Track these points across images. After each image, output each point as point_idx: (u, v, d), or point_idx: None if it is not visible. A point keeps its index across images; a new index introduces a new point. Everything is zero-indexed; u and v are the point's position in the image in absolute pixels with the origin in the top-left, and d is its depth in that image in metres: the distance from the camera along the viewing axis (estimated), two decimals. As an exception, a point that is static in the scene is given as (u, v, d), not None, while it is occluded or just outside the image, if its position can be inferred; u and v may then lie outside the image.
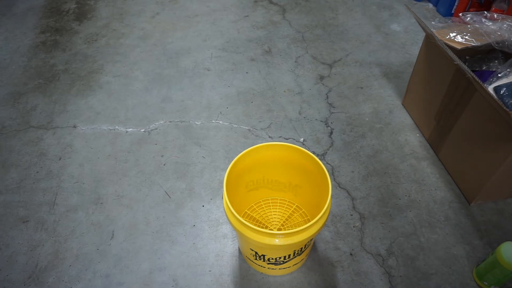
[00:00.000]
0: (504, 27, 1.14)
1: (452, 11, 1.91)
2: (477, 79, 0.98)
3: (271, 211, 1.15)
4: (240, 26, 1.93)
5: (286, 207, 1.15)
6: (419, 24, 1.20)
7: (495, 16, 1.21)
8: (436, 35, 1.15)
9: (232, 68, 1.69)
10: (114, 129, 1.44)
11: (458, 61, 1.05)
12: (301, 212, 1.13)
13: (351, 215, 1.16)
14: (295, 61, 1.72)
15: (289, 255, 0.92)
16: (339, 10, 2.03)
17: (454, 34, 1.16)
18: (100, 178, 1.27)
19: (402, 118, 1.46)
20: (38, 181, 1.27)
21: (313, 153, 1.29)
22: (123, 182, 1.26)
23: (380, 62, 1.70)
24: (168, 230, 1.14)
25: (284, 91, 1.57)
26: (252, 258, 0.98)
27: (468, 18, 1.22)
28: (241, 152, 0.96)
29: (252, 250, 0.93)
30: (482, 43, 1.12)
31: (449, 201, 1.19)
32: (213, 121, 1.46)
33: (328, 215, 0.92)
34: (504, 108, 0.92)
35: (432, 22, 1.28)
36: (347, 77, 1.63)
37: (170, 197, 1.22)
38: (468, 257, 1.06)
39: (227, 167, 0.92)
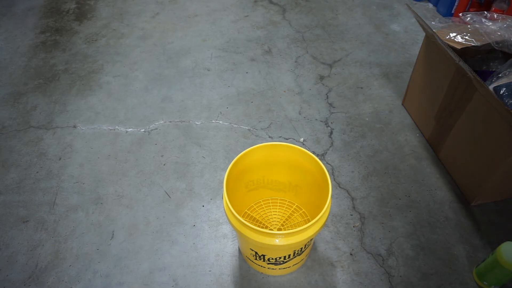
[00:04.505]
0: (504, 27, 1.14)
1: (452, 11, 1.91)
2: (478, 79, 0.98)
3: (271, 211, 1.15)
4: (240, 26, 1.93)
5: (286, 207, 1.15)
6: (420, 24, 1.20)
7: (495, 16, 1.21)
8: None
9: (232, 68, 1.69)
10: (114, 129, 1.44)
11: (459, 61, 1.05)
12: (301, 212, 1.13)
13: (351, 215, 1.16)
14: (295, 61, 1.72)
15: (289, 255, 0.92)
16: (339, 10, 2.03)
17: (454, 34, 1.16)
18: (100, 178, 1.27)
19: (402, 118, 1.46)
20: (38, 181, 1.27)
21: (313, 153, 1.29)
22: (123, 182, 1.26)
23: (380, 62, 1.70)
24: (168, 230, 1.14)
25: (284, 91, 1.57)
26: (252, 258, 0.98)
27: (468, 18, 1.22)
28: (241, 152, 0.96)
29: (252, 250, 0.93)
30: (482, 43, 1.12)
31: (449, 201, 1.19)
32: (213, 121, 1.46)
33: (328, 215, 0.91)
34: (505, 107, 0.92)
35: (432, 22, 1.28)
36: (347, 77, 1.63)
37: (170, 197, 1.22)
38: (468, 257, 1.06)
39: (227, 167, 0.92)
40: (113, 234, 1.13)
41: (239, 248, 1.09)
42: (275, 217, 1.13)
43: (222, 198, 1.21)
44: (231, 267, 1.05)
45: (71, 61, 1.74)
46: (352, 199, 1.20)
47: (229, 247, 1.09)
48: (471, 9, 1.84)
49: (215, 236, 1.12)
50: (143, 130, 1.43)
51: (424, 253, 1.07)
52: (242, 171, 1.01)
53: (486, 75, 1.14)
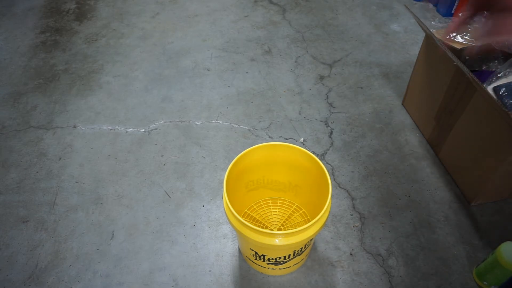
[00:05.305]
0: (504, 27, 1.13)
1: (452, 11, 1.91)
2: (477, 80, 0.98)
3: (271, 211, 1.15)
4: (240, 26, 1.93)
5: (286, 207, 1.15)
6: (419, 24, 1.20)
7: (495, 16, 1.21)
8: (436, 35, 1.15)
9: (232, 68, 1.69)
10: (114, 129, 1.44)
11: (457, 62, 1.05)
12: (301, 212, 1.13)
13: (351, 215, 1.16)
14: (295, 61, 1.72)
15: (289, 255, 0.92)
16: (339, 10, 2.03)
17: (454, 34, 1.16)
18: (100, 178, 1.27)
19: (402, 118, 1.46)
20: (38, 181, 1.27)
21: (313, 153, 1.29)
22: (123, 182, 1.26)
23: (380, 62, 1.70)
24: (168, 230, 1.14)
25: (284, 91, 1.57)
26: (252, 258, 0.98)
27: (468, 18, 1.22)
28: (241, 152, 0.96)
29: (252, 250, 0.93)
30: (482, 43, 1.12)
31: (449, 201, 1.19)
32: (213, 121, 1.46)
33: (328, 215, 0.92)
34: (503, 108, 0.92)
35: (432, 22, 1.28)
36: (347, 77, 1.64)
37: (170, 197, 1.22)
38: (468, 257, 1.06)
39: (227, 167, 0.92)
40: (113, 234, 1.13)
41: (239, 248, 1.09)
42: (275, 217, 1.13)
43: (222, 198, 1.21)
44: (231, 267, 1.05)
45: (71, 61, 1.74)
46: (352, 199, 1.20)
47: (229, 247, 1.09)
48: (471, 9, 1.84)
49: (215, 236, 1.12)
50: (143, 130, 1.43)
51: (424, 253, 1.07)
52: (242, 171, 1.01)
53: (486, 75, 1.14)
